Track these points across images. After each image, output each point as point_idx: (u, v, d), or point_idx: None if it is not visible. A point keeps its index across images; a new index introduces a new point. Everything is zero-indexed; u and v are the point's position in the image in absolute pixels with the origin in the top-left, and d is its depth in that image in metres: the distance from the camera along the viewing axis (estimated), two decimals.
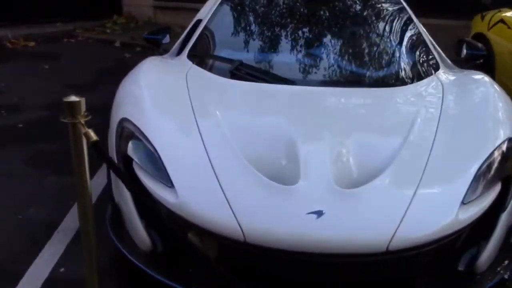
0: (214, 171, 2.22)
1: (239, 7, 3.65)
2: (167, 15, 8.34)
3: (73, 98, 1.82)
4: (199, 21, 4.43)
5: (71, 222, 3.00)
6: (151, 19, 8.43)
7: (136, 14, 8.51)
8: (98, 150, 1.82)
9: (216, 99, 2.70)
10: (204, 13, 4.55)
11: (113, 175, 2.58)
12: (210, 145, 2.35)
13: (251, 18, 3.52)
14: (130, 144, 2.44)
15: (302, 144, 2.32)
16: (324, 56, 3.09)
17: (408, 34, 3.35)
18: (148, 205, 2.23)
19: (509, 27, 4.30)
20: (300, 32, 3.27)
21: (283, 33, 3.26)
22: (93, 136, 1.82)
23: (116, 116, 2.65)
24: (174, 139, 2.44)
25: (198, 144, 2.36)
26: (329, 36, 3.26)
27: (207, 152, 2.31)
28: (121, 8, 8.63)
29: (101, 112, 4.77)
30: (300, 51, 3.11)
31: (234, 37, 3.35)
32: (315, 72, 3.00)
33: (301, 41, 3.19)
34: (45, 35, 7.45)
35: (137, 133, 2.44)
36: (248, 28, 3.39)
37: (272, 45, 3.19)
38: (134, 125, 2.47)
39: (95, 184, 3.42)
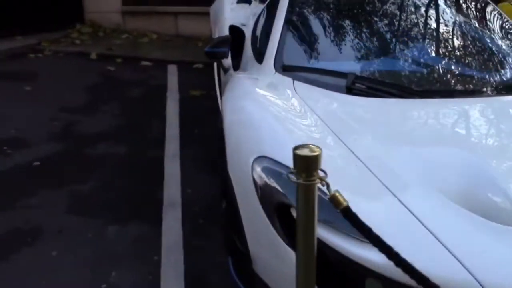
0: (415, 216, 1.80)
1: (323, 7, 3.18)
2: (138, 20, 7.66)
3: (307, 150, 1.33)
4: (234, 27, 3.96)
5: (169, 284, 2.46)
6: (120, 26, 7.71)
7: (101, 21, 7.74)
8: (351, 218, 1.35)
9: (355, 122, 2.26)
10: (248, 15, 4.08)
11: (247, 223, 2.11)
12: (389, 180, 1.92)
13: (345, 20, 3.06)
14: (283, 190, 1.96)
15: (499, 170, 1.95)
16: (450, 60, 2.71)
17: None
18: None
19: None
20: (415, 33, 2.87)
21: (395, 35, 2.84)
22: (343, 200, 1.35)
23: (242, 155, 2.15)
24: (343, 179, 1.98)
25: (373, 180, 1.93)
26: (450, 36, 2.89)
27: (390, 191, 1.88)
28: (82, 15, 7.82)
29: (116, 138, 4.20)
30: (423, 56, 2.71)
31: (328, 44, 2.89)
32: (450, 81, 2.63)
33: (421, 44, 2.79)
34: (7, 51, 6.56)
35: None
36: (344, 32, 2.94)
37: (385, 51, 2.77)
38: (282, 165, 2.00)
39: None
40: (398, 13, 3.11)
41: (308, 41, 2.94)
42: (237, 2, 4.78)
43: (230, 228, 2.35)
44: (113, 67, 6.12)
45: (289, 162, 1.99)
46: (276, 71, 2.73)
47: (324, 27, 3.01)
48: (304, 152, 1.34)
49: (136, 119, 4.55)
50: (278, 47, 2.86)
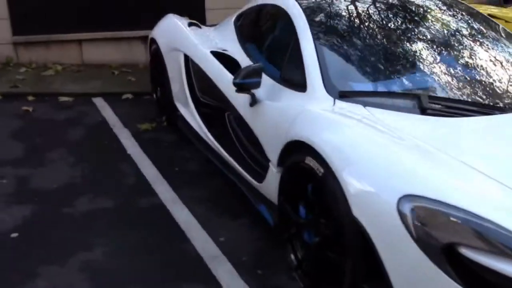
0: None
1: (353, 15, 3.02)
2: (34, 51, 6.79)
3: None
4: (216, 53, 3.69)
5: None
6: (12, 59, 6.76)
7: None
8: None
9: (466, 144, 2.19)
10: (221, 39, 3.79)
11: (396, 271, 1.90)
12: None
13: (386, 30, 2.93)
14: (448, 229, 1.80)
15: None
16: None
17: None
18: None
19: (507, 22, 4.49)
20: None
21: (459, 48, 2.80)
22: None
23: (379, 196, 1.94)
24: (497, 202, 1.87)
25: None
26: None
27: None
28: None
29: (91, 190, 3.60)
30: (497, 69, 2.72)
31: (376, 61, 2.76)
32: None
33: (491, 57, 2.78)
34: None
35: (449, 210, 1.81)
36: (388, 44, 2.83)
37: (445, 64, 2.73)
38: (439, 202, 1.84)
39: None
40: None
41: (354, 61, 2.80)
42: (188, 26, 4.47)
43: (354, 276, 2.11)
44: (29, 107, 5.32)
45: (446, 198, 1.85)
46: (334, 98, 2.55)
47: (363, 42, 2.89)
48: None
49: (99, 165, 3.98)
50: (321, 72, 2.67)
